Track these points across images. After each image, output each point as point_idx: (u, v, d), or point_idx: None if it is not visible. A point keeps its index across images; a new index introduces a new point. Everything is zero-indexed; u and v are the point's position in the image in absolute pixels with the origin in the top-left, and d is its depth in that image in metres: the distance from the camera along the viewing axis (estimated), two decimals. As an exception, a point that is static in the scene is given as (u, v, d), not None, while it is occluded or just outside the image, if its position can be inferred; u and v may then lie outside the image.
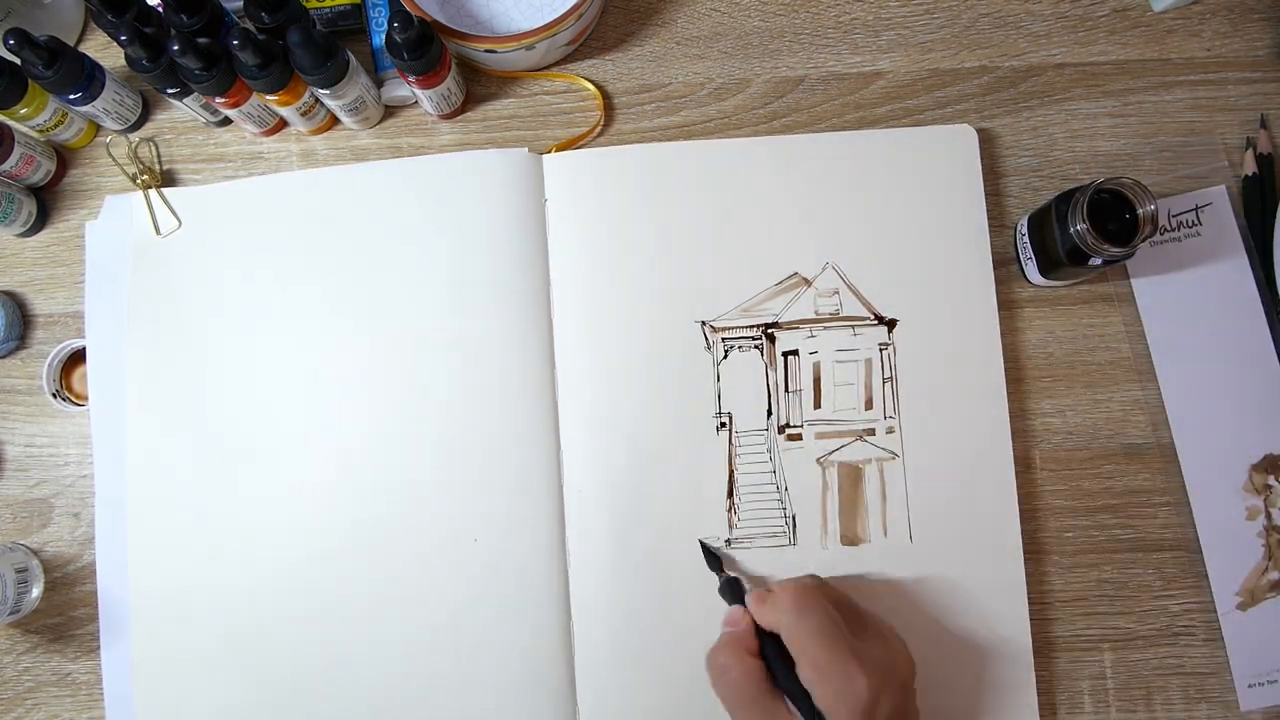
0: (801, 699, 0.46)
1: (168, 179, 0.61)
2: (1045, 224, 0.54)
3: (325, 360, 0.58)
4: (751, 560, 0.56)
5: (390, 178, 0.59)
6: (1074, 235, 0.51)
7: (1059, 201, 0.54)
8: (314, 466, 0.57)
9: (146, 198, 0.60)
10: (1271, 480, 0.56)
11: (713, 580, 0.54)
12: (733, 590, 0.53)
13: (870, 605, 0.54)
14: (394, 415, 0.57)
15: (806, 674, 0.46)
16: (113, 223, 0.60)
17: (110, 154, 0.61)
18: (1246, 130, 0.60)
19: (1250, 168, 0.58)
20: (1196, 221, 0.58)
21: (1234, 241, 0.58)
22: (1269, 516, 0.56)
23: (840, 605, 0.49)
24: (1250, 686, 0.55)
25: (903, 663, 0.48)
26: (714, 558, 0.55)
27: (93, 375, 0.58)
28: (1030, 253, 0.56)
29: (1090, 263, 0.52)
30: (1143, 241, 0.51)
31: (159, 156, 0.62)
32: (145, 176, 0.60)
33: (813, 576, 0.51)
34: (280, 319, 0.58)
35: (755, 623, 0.50)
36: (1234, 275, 0.57)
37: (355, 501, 0.56)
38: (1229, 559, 0.56)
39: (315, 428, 0.57)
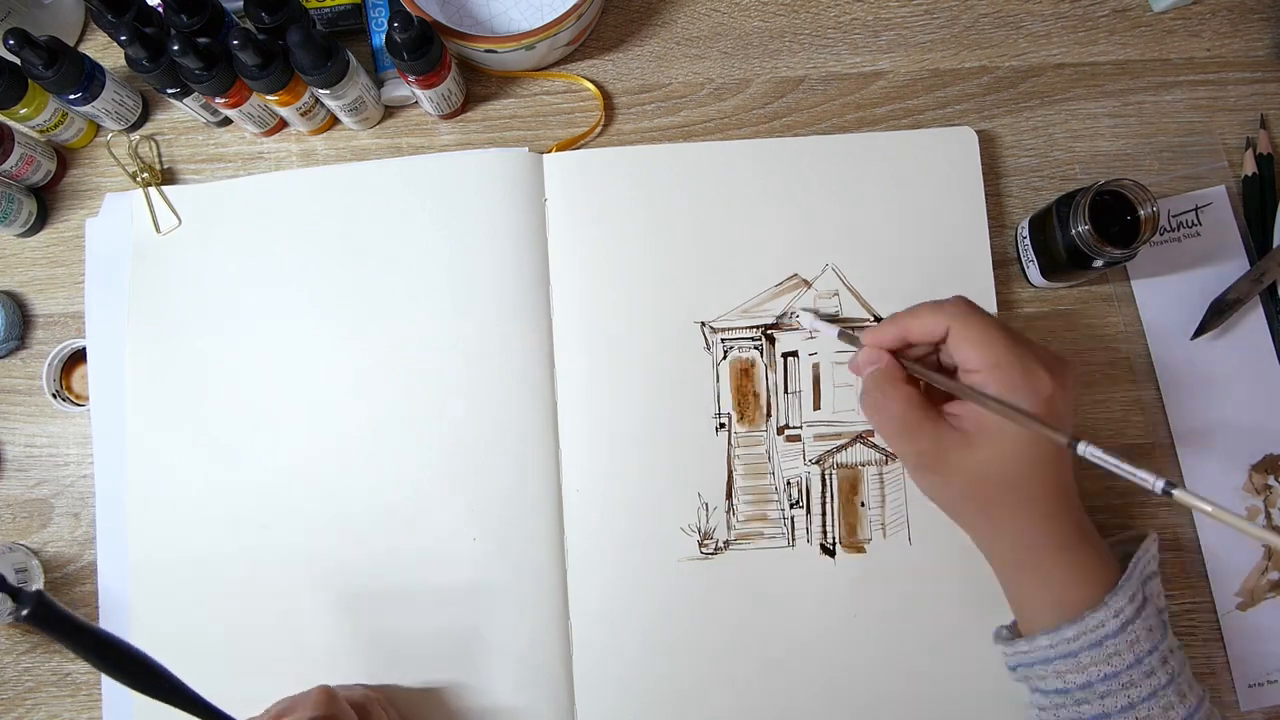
0: (983, 396, 0.45)
1: (168, 178, 0.61)
2: (1047, 225, 0.54)
3: (325, 359, 0.58)
4: (749, 561, 0.56)
5: (390, 176, 0.59)
6: (1075, 237, 0.51)
7: (1060, 203, 0.54)
8: (313, 464, 0.57)
9: (147, 195, 0.60)
10: (1271, 480, 0.56)
11: (712, 579, 0.54)
12: (849, 337, 0.52)
13: (863, 606, 0.54)
14: (393, 414, 0.57)
15: (979, 376, 0.45)
16: (113, 220, 0.60)
17: (111, 152, 0.61)
18: (1246, 130, 0.60)
19: (1250, 168, 0.58)
20: (1196, 222, 0.58)
21: (1234, 242, 0.58)
22: (1269, 517, 0.56)
23: None
24: (1251, 686, 0.55)
25: (1069, 366, 0.47)
26: (823, 315, 0.54)
27: (93, 375, 0.58)
28: (1032, 254, 0.56)
29: (1092, 264, 0.52)
30: (1144, 243, 0.51)
31: (159, 154, 0.62)
32: (146, 174, 0.60)
33: None
34: (280, 317, 0.58)
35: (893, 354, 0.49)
36: (1234, 276, 0.57)
37: (355, 500, 0.56)
38: (1229, 559, 0.56)
39: (314, 426, 0.57)
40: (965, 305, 0.47)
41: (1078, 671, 0.45)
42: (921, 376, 0.48)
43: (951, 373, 0.48)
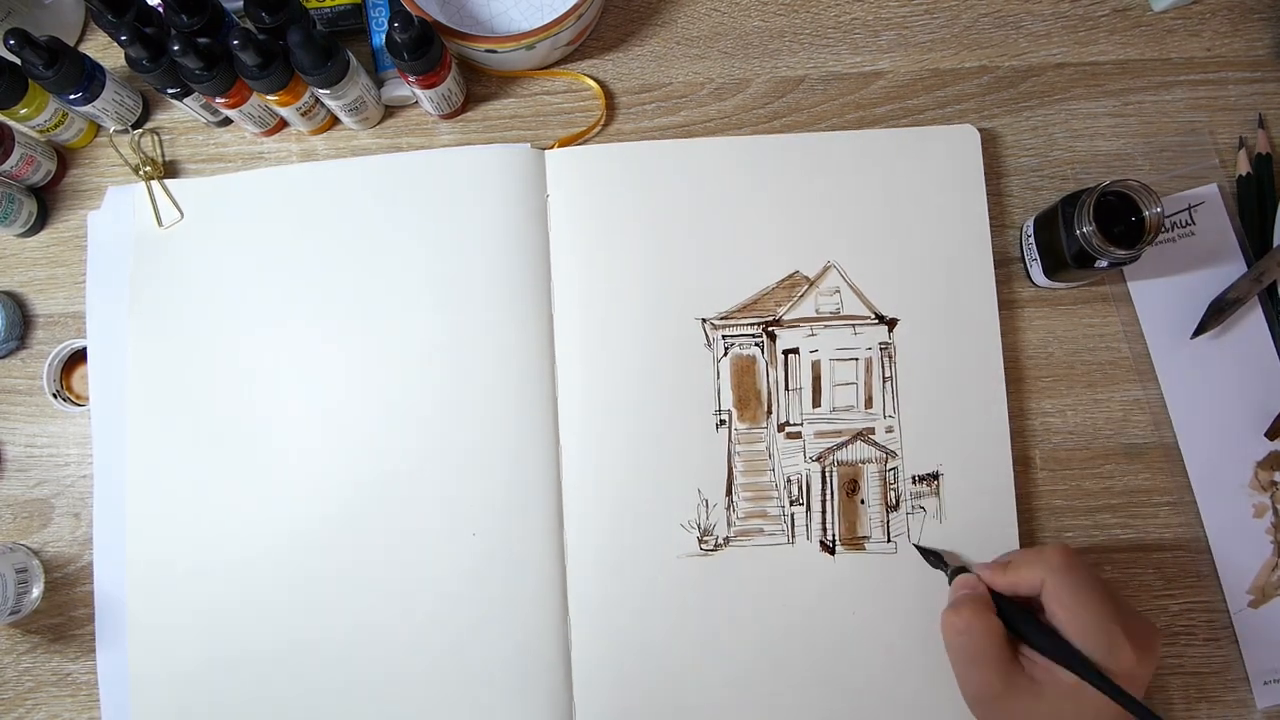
0: (1059, 648, 0.45)
1: (169, 174, 0.61)
2: (1051, 226, 0.54)
3: (326, 353, 0.58)
4: (749, 559, 0.56)
5: (393, 171, 0.60)
6: (1080, 237, 0.51)
7: (1065, 203, 0.54)
8: (314, 462, 0.57)
9: (149, 189, 0.60)
10: (1277, 476, 0.56)
11: (712, 575, 0.54)
12: (957, 573, 0.53)
13: (863, 604, 0.54)
14: (394, 409, 0.57)
15: (1069, 633, 0.45)
16: (115, 213, 0.60)
17: (113, 145, 0.61)
18: (1247, 130, 0.60)
19: (1244, 167, 0.58)
20: (1190, 221, 0.58)
21: (1229, 241, 0.58)
22: (1276, 513, 0.56)
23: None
24: (1266, 684, 0.55)
25: (1156, 641, 0.47)
26: (934, 555, 0.55)
27: (93, 374, 0.58)
28: (1036, 254, 0.56)
29: (1096, 265, 0.52)
30: (1148, 244, 0.51)
31: (162, 148, 0.62)
32: (148, 168, 0.60)
33: (1064, 544, 0.50)
34: (281, 311, 0.58)
35: (989, 589, 0.49)
36: (1231, 275, 0.57)
37: (355, 498, 0.56)
38: (1238, 557, 0.56)
39: (315, 422, 0.57)
40: (1063, 560, 0.47)
41: None
42: (1013, 623, 0.48)
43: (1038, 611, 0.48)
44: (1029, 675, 0.46)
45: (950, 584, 0.53)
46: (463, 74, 0.60)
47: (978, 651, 0.47)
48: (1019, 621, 0.48)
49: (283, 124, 0.61)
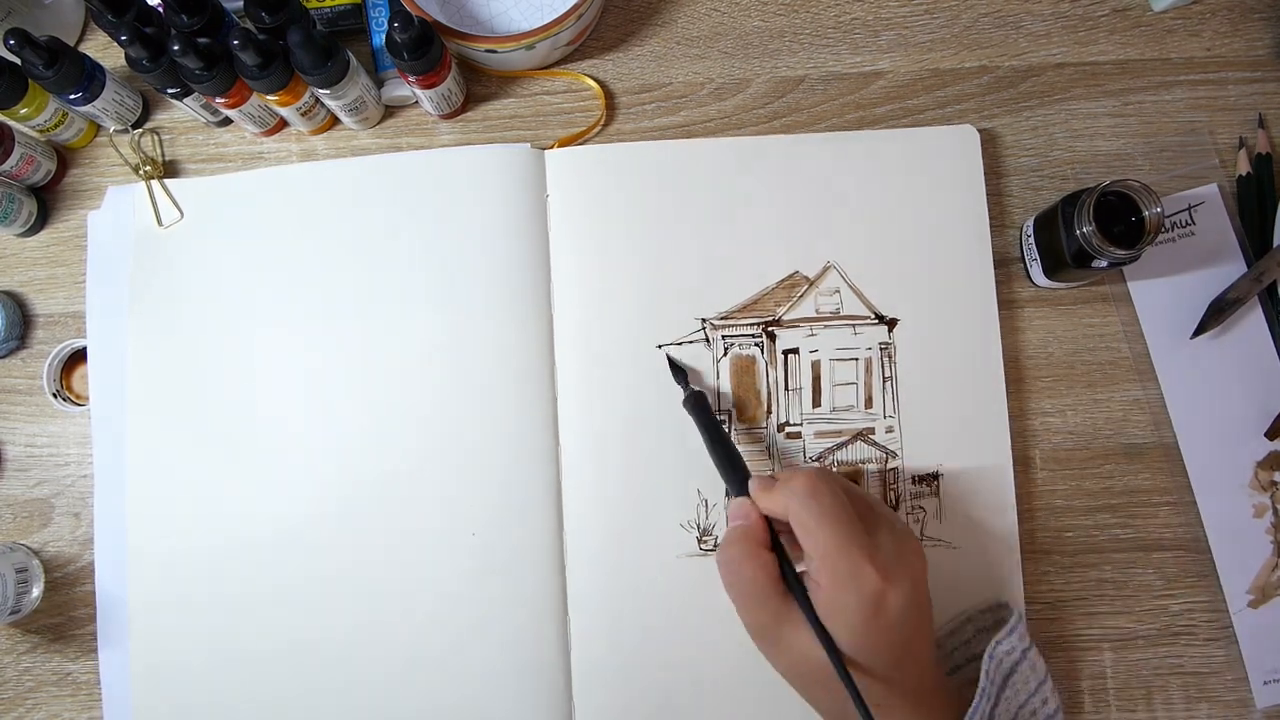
0: (800, 595, 0.44)
1: (169, 174, 0.61)
2: (1051, 226, 0.54)
3: (325, 353, 0.58)
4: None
5: (393, 171, 0.60)
6: (1080, 237, 0.51)
7: (1065, 203, 0.54)
8: (314, 462, 0.57)
9: (149, 188, 0.60)
10: (1277, 476, 0.56)
11: (711, 575, 0.54)
12: (697, 404, 0.52)
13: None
14: (394, 409, 0.57)
15: (813, 563, 0.44)
16: (115, 213, 0.60)
17: (113, 143, 0.61)
18: (1246, 130, 0.60)
19: (1244, 167, 0.58)
20: (1190, 221, 0.58)
21: (1229, 241, 0.58)
22: (1276, 513, 0.56)
23: (851, 496, 0.47)
24: (1266, 684, 0.55)
25: (914, 558, 0.46)
26: (679, 371, 0.54)
27: (93, 373, 0.58)
28: (1036, 254, 0.56)
29: (1095, 265, 0.52)
30: (1148, 244, 0.51)
31: (162, 148, 0.62)
32: (148, 168, 0.60)
33: (817, 467, 0.49)
34: (281, 311, 0.58)
35: (763, 516, 0.47)
36: (1231, 275, 0.57)
37: (355, 498, 0.57)
38: (1238, 557, 0.56)
39: (315, 422, 0.57)
40: (807, 485, 0.45)
41: None
42: (783, 551, 0.47)
43: None
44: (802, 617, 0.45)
45: (683, 403, 0.53)
46: (463, 74, 0.60)
47: (747, 589, 0.46)
48: (782, 556, 0.46)
49: (283, 124, 0.61)
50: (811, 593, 0.44)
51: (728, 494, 0.53)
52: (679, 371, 0.55)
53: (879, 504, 0.49)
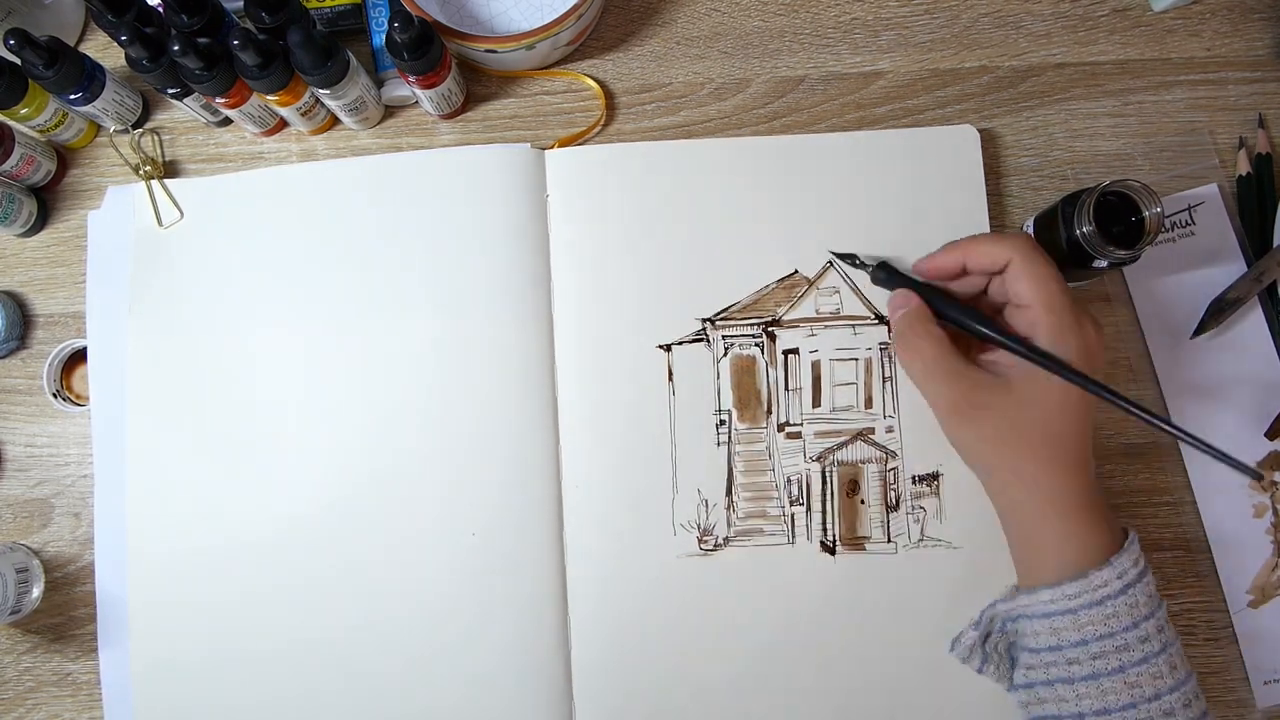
0: (1015, 340, 0.46)
1: (169, 174, 0.61)
2: (1051, 226, 0.54)
3: (325, 353, 0.58)
4: (749, 559, 0.56)
5: (393, 171, 0.60)
6: (1080, 237, 0.51)
7: (1065, 203, 0.53)
8: (313, 462, 0.57)
9: (149, 188, 0.60)
10: (1277, 476, 0.56)
11: (711, 575, 0.54)
12: (889, 274, 0.52)
13: (862, 604, 0.55)
14: (394, 409, 0.57)
15: (1033, 313, 0.46)
16: (115, 213, 0.60)
17: (113, 143, 0.61)
18: (1246, 130, 0.60)
19: (1244, 167, 0.58)
20: (1190, 221, 0.58)
21: (1229, 241, 0.58)
22: (1276, 513, 0.56)
23: None
24: (1266, 684, 0.55)
25: (1100, 328, 0.48)
26: (850, 257, 0.55)
27: (93, 373, 0.58)
28: (1034, 253, 0.56)
29: (1095, 265, 0.52)
30: (1148, 244, 0.51)
31: (162, 148, 0.62)
32: (148, 167, 0.60)
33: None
34: (281, 311, 0.58)
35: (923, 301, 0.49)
36: (1231, 275, 0.57)
37: (355, 498, 0.56)
38: (1238, 557, 0.56)
39: (315, 422, 0.57)
40: (1029, 241, 0.48)
41: (1075, 629, 0.45)
42: (954, 323, 0.48)
43: (993, 314, 0.48)
44: (991, 373, 0.47)
45: (873, 279, 0.54)
46: (463, 74, 0.60)
47: (933, 366, 0.47)
48: (968, 317, 0.48)
49: (283, 124, 0.61)
50: (1005, 356, 0.46)
51: (875, 279, 0.54)
52: (849, 257, 0.56)
53: None
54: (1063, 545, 0.47)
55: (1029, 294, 0.46)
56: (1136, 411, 0.44)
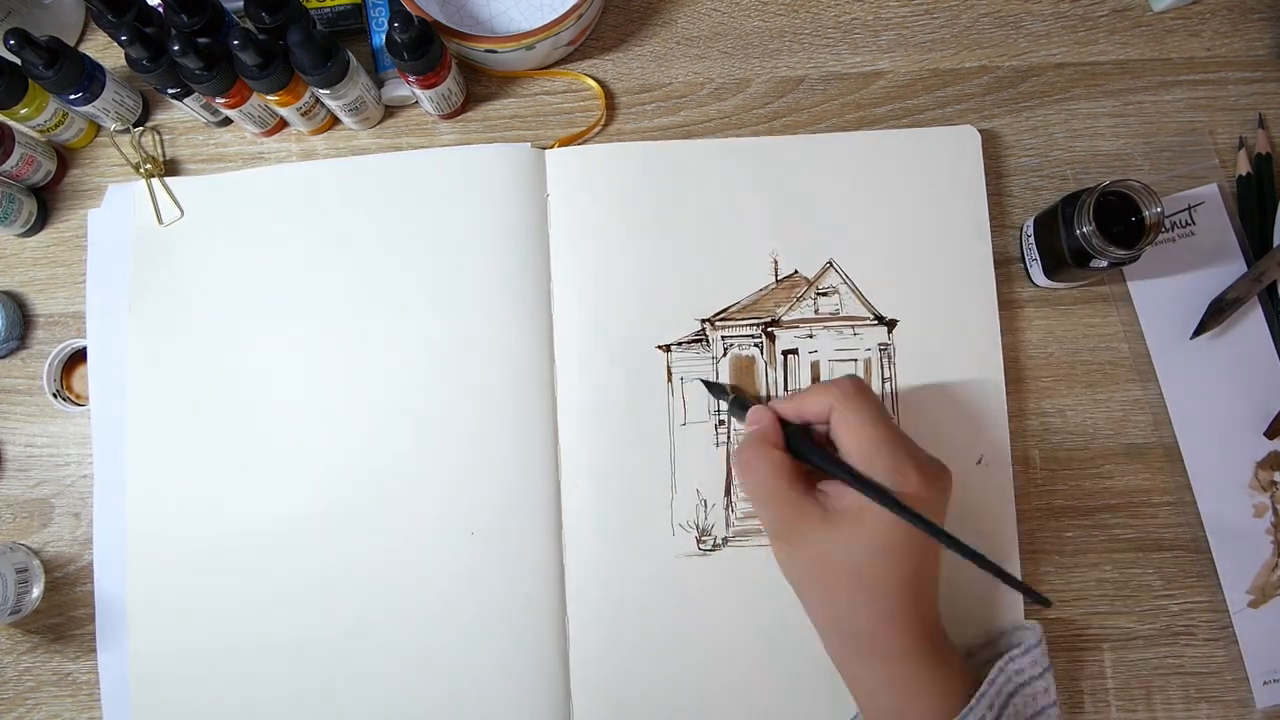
0: (844, 470, 0.45)
1: (170, 173, 0.61)
2: (1051, 225, 0.54)
3: (325, 352, 0.58)
4: (746, 559, 0.56)
5: (393, 170, 0.60)
6: (1079, 237, 0.51)
7: (1065, 203, 0.54)
8: (313, 462, 0.57)
9: (149, 187, 0.60)
10: (1277, 476, 0.56)
11: (710, 575, 0.54)
12: (742, 405, 0.52)
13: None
14: (393, 408, 0.57)
15: (853, 460, 0.45)
16: (115, 211, 0.60)
17: (114, 142, 0.61)
18: (1246, 130, 0.60)
19: (1244, 167, 0.58)
20: (1190, 221, 0.58)
21: (1229, 241, 0.58)
22: (1276, 513, 0.56)
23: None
24: (1266, 684, 0.55)
25: (945, 477, 0.47)
26: (718, 387, 0.55)
27: (93, 375, 0.58)
28: (1035, 254, 0.56)
29: (1094, 265, 0.52)
30: (1148, 244, 0.51)
31: (162, 146, 0.62)
32: (149, 165, 0.60)
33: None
34: (281, 310, 0.58)
35: (779, 419, 0.49)
36: (1231, 275, 0.57)
37: (354, 497, 0.57)
38: (1238, 557, 0.56)
39: (315, 422, 0.57)
40: (852, 388, 0.47)
41: None
42: (799, 450, 0.48)
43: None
44: (821, 506, 0.46)
45: (729, 409, 0.54)
46: (463, 74, 0.60)
47: (765, 486, 0.47)
48: (808, 451, 0.47)
49: (283, 124, 0.61)
50: (839, 494, 0.46)
51: (731, 409, 0.54)
52: (717, 388, 0.56)
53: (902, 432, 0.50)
54: (877, 690, 0.45)
55: (847, 442, 0.46)
56: (963, 553, 0.42)
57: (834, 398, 0.47)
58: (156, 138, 0.62)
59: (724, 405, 0.56)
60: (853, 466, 0.46)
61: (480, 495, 0.56)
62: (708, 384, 0.56)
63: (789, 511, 0.46)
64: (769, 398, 0.57)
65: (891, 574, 0.44)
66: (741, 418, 0.52)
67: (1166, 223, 0.58)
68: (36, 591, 0.57)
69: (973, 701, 0.43)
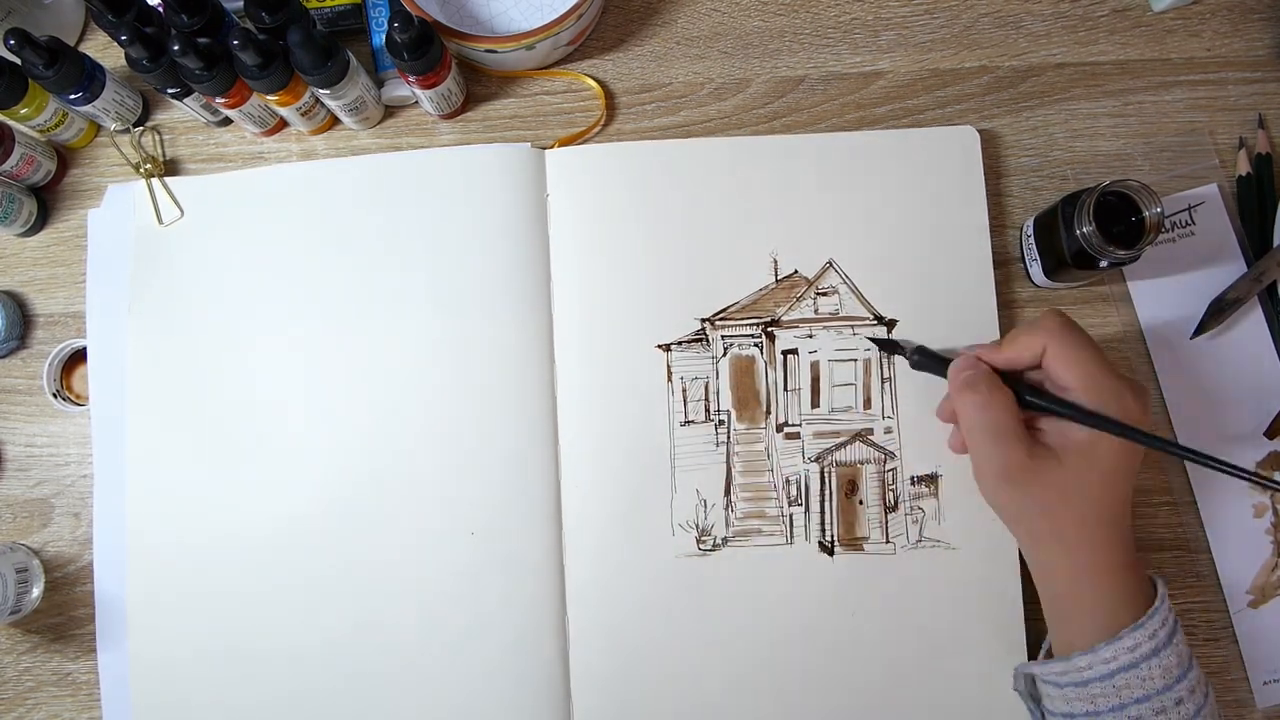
0: (1074, 410, 0.46)
1: (170, 173, 0.61)
2: (1051, 226, 0.54)
3: (325, 352, 0.58)
4: (746, 559, 0.56)
5: (393, 170, 0.60)
6: (1080, 237, 0.51)
7: (1065, 203, 0.53)
8: (313, 461, 0.57)
9: (149, 186, 0.60)
10: (1278, 476, 0.56)
11: (710, 575, 0.54)
12: (933, 357, 0.53)
13: (860, 604, 0.55)
14: (394, 408, 0.57)
15: (1074, 394, 0.46)
16: (115, 211, 0.60)
17: (114, 141, 0.61)
18: (1246, 130, 0.60)
19: (1244, 167, 0.58)
20: (1190, 221, 0.58)
21: (1229, 241, 0.58)
22: (1276, 513, 0.56)
23: None
24: (1266, 684, 0.55)
25: (1146, 389, 0.48)
26: (891, 344, 0.56)
27: (93, 373, 0.58)
28: (1035, 254, 0.56)
29: (1096, 265, 0.52)
30: (1148, 244, 0.51)
31: (162, 146, 0.62)
32: (149, 165, 0.60)
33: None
34: (281, 310, 0.58)
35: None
36: (1231, 275, 0.57)
37: (355, 497, 0.57)
38: (1238, 557, 0.56)
39: (315, 421, 0.57)
40: (1061, 322, 0.48)
41: (1112, 694, 0.45)
42: (1023, 395, 0.49)
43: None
44: (1046, 444, 0.47)
45: (912, 364, 0.54)
46: (463, 74, 0.60)
47: (1002, 425, 0.48)
48: (1026, 391, 0.48)
49: (283, 124, 0.61)
50: (1062, 430, 0.47)
51: (916, 364, 0.55)
52: (889, 344, 0.56)
53: None
54: (1095, 609, 0.47)
55: (1068, 376, 0.47)
56: (1194, 457, 0.45)
57: (1048, 334, 0.48)
58: (156, 138, 0.62)
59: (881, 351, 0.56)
60: (1078, 403, 0.47)
61: (480, 495, 0.56)
62: (879, 342, 0.56)
63: (1023, 452, 0.47)
64: (769, 398, 0.57)
65: (1121, 495, 0.47)
66: (937, 370, 0.53)
67: (1166, 223, 0.58)
68: (36, 591, 0.57)
69: (1160, 595, 0.46)
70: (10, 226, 0.59)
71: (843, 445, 0.57)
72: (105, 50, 0.62)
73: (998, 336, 0.57)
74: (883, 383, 0.57)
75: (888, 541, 0.56)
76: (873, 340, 0.57)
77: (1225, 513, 0.56)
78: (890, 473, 0.56)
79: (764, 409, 0.57)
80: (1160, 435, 0.46)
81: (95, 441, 0.58)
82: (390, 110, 0.62)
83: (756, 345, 0.57)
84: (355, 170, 0.60)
